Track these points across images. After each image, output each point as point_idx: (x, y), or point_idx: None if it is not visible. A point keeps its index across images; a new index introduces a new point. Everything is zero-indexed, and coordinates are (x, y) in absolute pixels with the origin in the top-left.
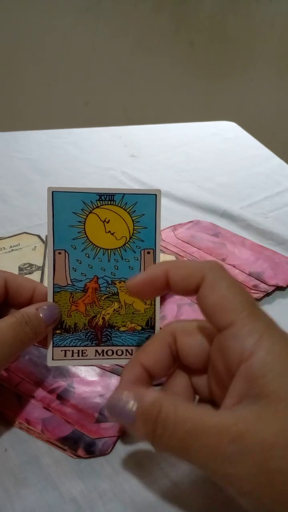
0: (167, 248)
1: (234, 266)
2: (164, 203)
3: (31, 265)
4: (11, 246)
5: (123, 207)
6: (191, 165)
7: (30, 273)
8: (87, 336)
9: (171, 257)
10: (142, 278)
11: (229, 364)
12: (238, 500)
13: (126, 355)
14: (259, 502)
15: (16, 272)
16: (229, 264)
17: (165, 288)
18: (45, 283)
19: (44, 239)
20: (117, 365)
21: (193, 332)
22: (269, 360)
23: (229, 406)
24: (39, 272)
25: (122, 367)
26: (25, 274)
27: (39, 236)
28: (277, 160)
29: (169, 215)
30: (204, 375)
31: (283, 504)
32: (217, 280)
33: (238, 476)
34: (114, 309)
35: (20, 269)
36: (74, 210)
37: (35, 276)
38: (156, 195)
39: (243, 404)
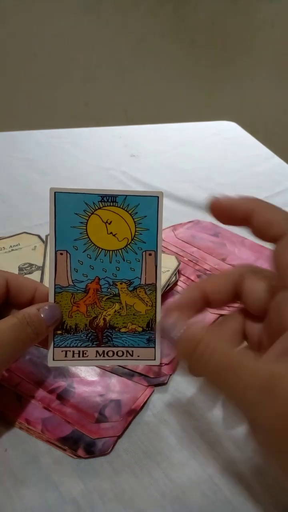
0: (167, 248)
1: (234, 266)
2: (164, 203)
3: (31, 265)
4: (11, 246)
5: (125, 209)
6: (191, 165)
7: (30, 273)
8: (88, 337)
9: (171, 257)
10: (178, 302)
11: (283, 321)
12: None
13: (126, 356)
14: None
15: (16, 272)
16: (229, 264)
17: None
18: (45, 283)
19: (44, 239)
20: (118, 365)
21: (262, 279)
22: None
23: (270, 357)
24: (39, 272)
25: (123, 367)
26: (25, 274)
27: (39, 236)
28: (277, 160)
29: (169, 215)
30: (259, 323)
31: None
32: (255, 274)
33: (264, 422)
34: (115, 310)
35: (20, 269)
36: (76, 211)
37: (35, 276)
38: (158, 197)
39: (284, 359)
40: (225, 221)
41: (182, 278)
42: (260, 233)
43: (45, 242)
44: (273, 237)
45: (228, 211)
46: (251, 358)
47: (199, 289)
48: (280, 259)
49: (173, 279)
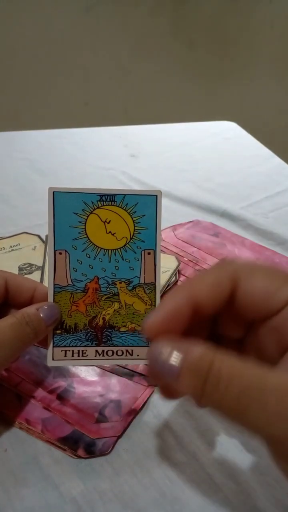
0: (167, 248)
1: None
2: (164, 203)
3: (31, 265)
4: (11, 246)
5: (124, 208)
6: (191, 165)
7: (30, 273)
8: (87, 336)
9: (171, 257)
10: (161, 314)
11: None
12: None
13: (126, 355)
14: None
15: (16, 272)
16: None
17: (192, 316)
18: (45, 283)
19: (44, 239)
20: (117, 365)
21: (263, 277)
22: None
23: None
24: (39, 272)
25: (123, 367)
26: (25, 274)
27: (39, 236)
28: (277, 160)
29: (169, 215)
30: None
31: None
32: (253, 272)
33: None
34: (115, 310)
35: (20, 269)
36: (75, 210)
37: (35, 276)
38: (156, 196)
39: None
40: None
41: (182, 278)
42: (217, 305)
43: (45, 242)
44: (230, 291)
45: (171, 322)
46: (271, 371)
47: (185, 293)
48: (250, 293)
49: (173, 279)
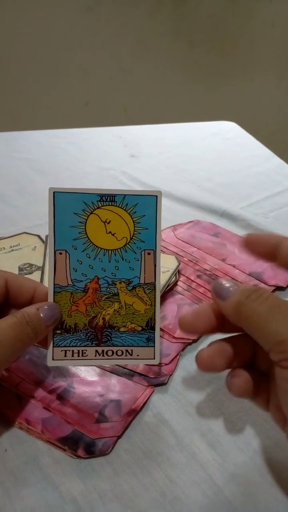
0: (167, 248)
1: (234, 266)
2: (164, 203)
3: (31, 265)
4: (11, 246)
5: (124, 208)
6: (191, 165)
7: (30, 273)
8: (87, 336)
9: (171, 257)
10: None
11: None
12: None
13: (126, 355)
14: None
15: (16, 272)
16: (229, 264)
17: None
18: (45, 283)
19: (44, 239)
20: (117, 365)
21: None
22: None
23: None
24: (39, 272)
25: (123, 367)
26: (25, 274)
27: (39, 236)
28: (277, 160)
29: (169, 215)
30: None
31: None
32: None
33: None
34: (115, 310)
35: (20, 269)
36: (75, 210)
37: (35, 276)
38: (157, 196)
39: None
40: (253, 250)
41: (182, 278)
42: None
43: (45, 242)
44: None
45: (259, 240)
46: None
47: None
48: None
49: (173, 279)
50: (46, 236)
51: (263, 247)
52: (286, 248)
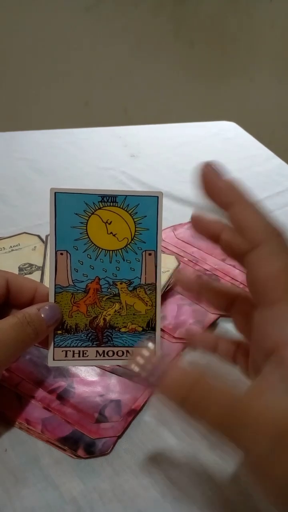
0: (167, 248)
1: (234, 266)
2: (164, 203)
3: (31, 265)
4: (11, 246)
5: (125, 209)
6: (191, 165)
7: (30, 273)
8: (88, 337)
9: (171, 257)
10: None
11: (264, 344)
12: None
13: (126, 356)
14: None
15: (16, 272)
16: (229, 264)
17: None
18: (46, 283)
19: (44, 239)
20: (118, 365)
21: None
22: None
23: (264, 388)
24: (39, 272)
25: (123, 367)
26: (25, 274)
27: (39, 236)
28: (277, 160)
29: (169, 215)
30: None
31: None
32: (277, 251)
33: (277, 475)
34: (115, 310)
35: (20, 269)
36: (77, 211)
37: (35, 276)
38: (158, 197)
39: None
40: (208, 196)
41: None
42: (237, 230)
43: (45, 242)
44: (250, 241)
45: (212, 190)
46: (258, 398)
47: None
48: (257, 272)
49: (173, 279)
50: (46, 236)
51: (207, 232)
52: (224, 240)
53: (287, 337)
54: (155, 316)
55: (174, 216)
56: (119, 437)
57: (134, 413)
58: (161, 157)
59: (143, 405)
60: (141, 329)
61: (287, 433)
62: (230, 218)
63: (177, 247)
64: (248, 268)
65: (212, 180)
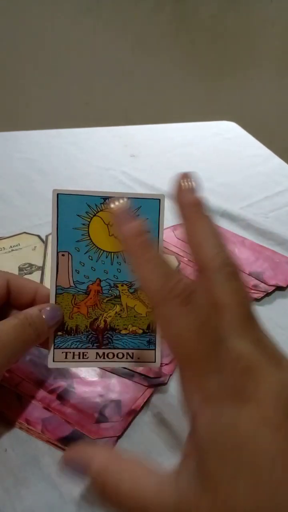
0: (167, 248)
1: None
2: (165, 203)
3: (31, 265)
4: (11, 246)
5: None
6: (191, 165)
7: (30, 273)
8: (88, 339)
9: (171, 257)
10: None
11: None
12: None
13: (126, 358)
14: None
15: (16, 272)
16: None
17: None
18: (45, 283)
19: (44, 239)
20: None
21: None
22: (213, 434)
23: (185, 452)
24: (39, 272)
25: (124, 368)
26: (25, 274)
27: (39, 236)
28: (277, 160)
29: (169, 215)
30: None
31: None
32: (173, 316)
33: None
34: (116, 312)
35: (20, 269)
36: (79, 212)
37: (35, 276)
38: (160, 199)
39: (189, 465)
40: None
41: None
42: None
43: (45, 242)
44: (150, 303)
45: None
46: (153, 493)
47: None
48: (162, 334)
49: None
50: (46, 236)
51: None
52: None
53: (192, 409)
54: None
55: (174, 216)
56: (119, 437)
57: (134, 413)
58: (161, 157)
59: (143, 405)
60: (141, 331)
61: None
62: (184, 231)
63: (177, 247)
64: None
65: (181, 192)
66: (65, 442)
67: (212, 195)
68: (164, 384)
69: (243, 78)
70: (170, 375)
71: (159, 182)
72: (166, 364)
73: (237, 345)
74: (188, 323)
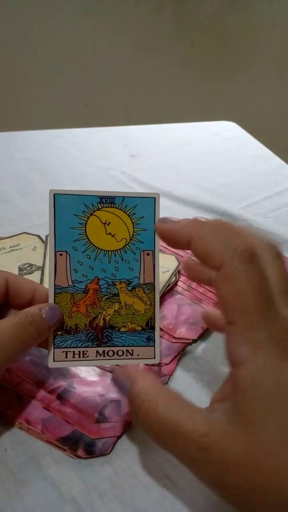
0: (167, 248)
1: None
2: (164, 203)
3: (31, 265)
4: (11, 246)
5: (123, 210)
6: (191, 165)
7: (30, 273)
8: (88, 337)
9: (171, 257)
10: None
11: (228, 357)
12: None
13: (126, 355)
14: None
15: (16, 272)
16: None
17: None
18: (45, 283)
19: (44, 239)
20: (118, 365)
21: None
22: (257, 378)
23: (216, 400)
24: (39, 272)
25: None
26: (25, 274)
27: (39, 236)
28: (277, 160)
29: (169, 215)
30: None
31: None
32: (235, 272)
33: (201, 479)
34: (115, 310)
35: (20, 269)
36: (76, 212)
37: (35, 276)
38: (155, 198)
39: (223, 407)
40: (171, 246)
41: (182, 278)
42: (202, 262)
43: (45, 242)
44: (213, 267)
45: (171, 238)
46: (186, 418)
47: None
48: (219, 292)
49: (173, 279)
50: (46, 236)
51: (176, 241)
52: (196, 246)
53: (238, 358)
54: (154, 315)
55: (174, 216)
56: (119, 437)
57: None
58: (161, 157)
59: None
60: (140, 328)
61: (207, 449)
62: (193, 254)
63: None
64: (215, 288)
65: (167, 230)
66: (65, 442)
67: (212, 195)
68: (164, 384)
69: (243, 78)
70: (170, 375)
71: (159, 182)
72: (166, 364)
73: (284, 310)
74: (250, 278)
